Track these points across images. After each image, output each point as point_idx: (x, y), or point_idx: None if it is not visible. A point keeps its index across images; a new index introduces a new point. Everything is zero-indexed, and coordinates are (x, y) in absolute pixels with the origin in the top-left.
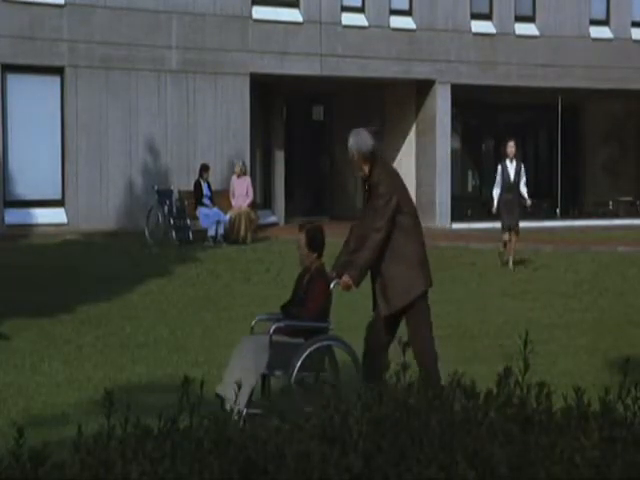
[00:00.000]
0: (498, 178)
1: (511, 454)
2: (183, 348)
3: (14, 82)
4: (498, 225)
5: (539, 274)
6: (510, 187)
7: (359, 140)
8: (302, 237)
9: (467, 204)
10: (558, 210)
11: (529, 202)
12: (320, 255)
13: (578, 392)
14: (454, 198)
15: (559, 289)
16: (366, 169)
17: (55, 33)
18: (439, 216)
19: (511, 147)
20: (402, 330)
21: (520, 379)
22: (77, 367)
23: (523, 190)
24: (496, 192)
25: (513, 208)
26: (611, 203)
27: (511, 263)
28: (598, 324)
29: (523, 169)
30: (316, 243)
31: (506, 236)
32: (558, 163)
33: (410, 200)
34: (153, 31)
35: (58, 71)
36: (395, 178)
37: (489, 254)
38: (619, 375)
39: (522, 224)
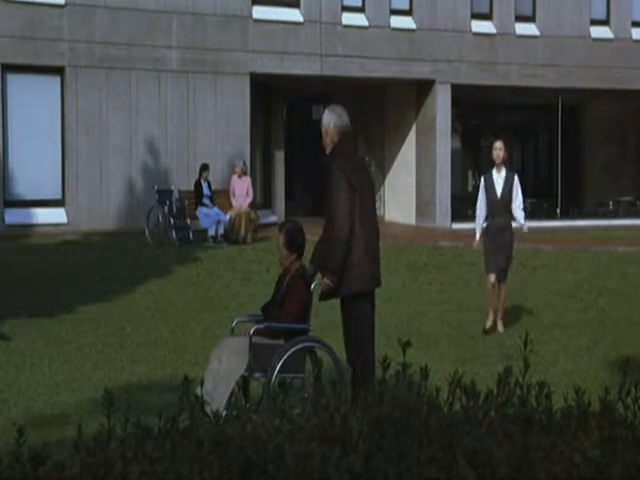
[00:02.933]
0: (481, 196)
1: (511, 454)
2: (183, 348)
3: (14, 82)
4: None
5: (539, 274)
6: (499, 208)
7: (334, 115)
8: (281, 237)
9: (467, 204)
10: (558, 210)
11: (526, 227)
12: (300, 256)
13: (578, 392)
14: (454, 198)
15: (559, 289)
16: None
17: (55, 33)
18: (439, 216)
19: (499, 150)
20: (402, 330)
21: (520, 379)
22: (77, 367)
23: (519, 214)
24: (479, 217)
25: (503, 240)
26: (611, 203)
27: (500, 325)
28: (598, 324)
29: (517, 181)
30: (295, 244)
31: (492, 278)
32: (558, 163)
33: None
34: (153, 31)
35: (58, 71)
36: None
37: None
38: (619, 375)
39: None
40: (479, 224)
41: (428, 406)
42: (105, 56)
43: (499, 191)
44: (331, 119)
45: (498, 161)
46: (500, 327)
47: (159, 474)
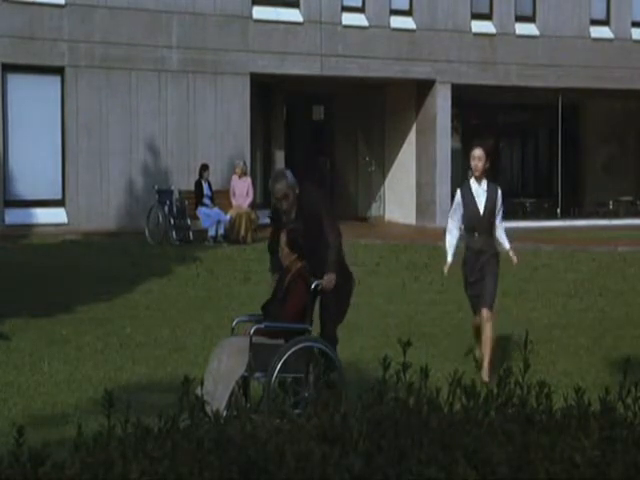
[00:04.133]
0: (455, 212)
1: (511, 454)
2: (183, 348)
3: (14, 82)
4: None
5: (539, 274)
6: (480, 226)
7: (291, 179)
8: (284, 236)
9: None
10: (558, 210)
11: (513, 254)
12: (300, 257)
13: (578, 392)
14: (454, 198)
15: (559, 289)
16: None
17: (55, 33)
18: (439, 216)
19: (477, 160)
20: (402, 330)
21: (520, 379)
22: (77, 367)
23: (503, 237)
24: (453, 237)
25: (485, 266)
26: (611, 203)
27: (485, 372)
28: (598, 324)
29: (501, 197)
30: (297, 244)
31: (478, 320)
32: (558, 163)
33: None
34: (153, 31)
35: (58, 71)
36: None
37: None
38: (619, 375)
39: (521, 224)
40: (452, 245)
41: (428, 406)
42: (105, 56)
43: (481, 206)
44: (289, 184)
45: (477, 173)
46: (485, 375)
47: (159, 474)
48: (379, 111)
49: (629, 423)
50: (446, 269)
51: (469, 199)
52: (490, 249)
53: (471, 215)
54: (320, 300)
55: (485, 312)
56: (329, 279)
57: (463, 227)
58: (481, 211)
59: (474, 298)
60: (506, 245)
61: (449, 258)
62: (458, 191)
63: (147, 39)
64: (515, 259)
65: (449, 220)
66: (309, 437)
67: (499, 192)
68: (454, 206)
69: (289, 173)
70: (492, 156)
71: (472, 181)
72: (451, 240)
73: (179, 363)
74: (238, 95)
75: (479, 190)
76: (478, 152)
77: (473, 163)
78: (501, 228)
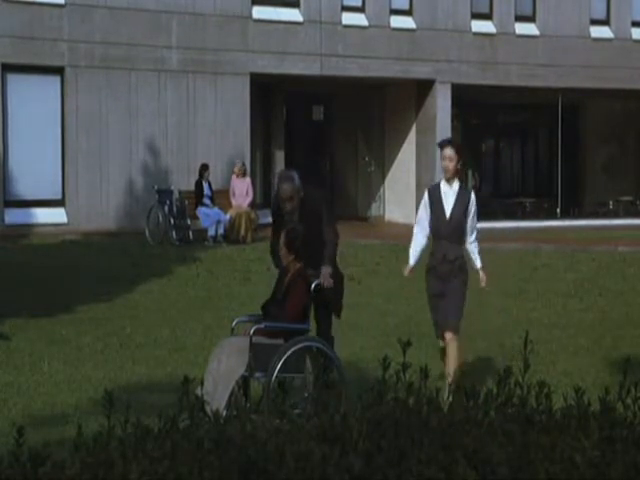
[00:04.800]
0: (422, 214)
1: (511, 454)
2: (183, 348)
3: (14, 82)
4: (500, 225)
5: (539, 274)
6: (446, 233)
7: (297, 181)
8: (283, 236)
9: None
10: (558, 210)
11: (482, 276)
12: (297, 257)
13: (578, 392)
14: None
15: (559, 289)
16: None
17: (55, 33)
18: None
19: (448, 160)
20: (402, 330)
21: (520, 379)
22: (77, 367)
23: (475, 251)
24: (417, 244)
25: (450, 279)
26: (611, 203)
27: (446, 393)
28: (598, 324)
29: (474, 203)
30: (294, 245)
31: (442, 343)
32: (558, 163)
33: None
34: (153, 31)
35: (58, 71)
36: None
37: (489, 254)
38: (619, 375)
39: (521, 224)
40: (416, 250)
41: (428, 406)
42: (105, 56)
43: (448, 209)
44: (295, 186)
45: (448, 174)
46: (445, 394)
47: (159, 474)
48: (379, 111)
49: (629, 423)
50: (406, 271)
51: (436, 201)
52: (456, 260)
53: (437, 219)
54: (315, 299)
55: (448, 335)
56: (326, 272)
57: (430, 232)
58: (447, 214)
59: (437, 315)
60: (477, 263)
61: (411, 261)
62: (425, 192)
63: (147, 39)
64: (484, 282)
65: (415, 225)
66: (309, 437)
67: (472, 197)
68: (420, 209)
69: (296, 175)
70: (463, 156)
71: (443, 183)
72: (415, 248)
73: (179, 363)
74: (238, 95)
75: (449, 192)
76: (449, 152)
77: (444, 164)
78: (474, 242)
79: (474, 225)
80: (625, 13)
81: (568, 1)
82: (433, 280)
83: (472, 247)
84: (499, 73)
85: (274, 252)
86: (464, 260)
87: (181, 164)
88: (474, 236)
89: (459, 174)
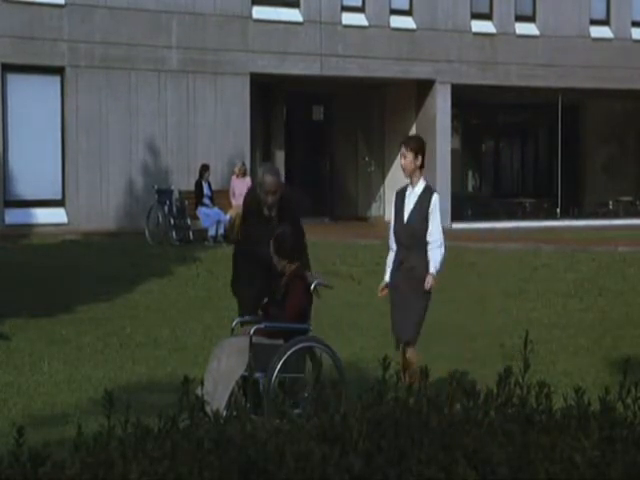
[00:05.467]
0: (392, 224)
1: (511, 454)
2: (183, 348)
3: (14, 82)
4: (500, 225)
5: (539, 274)
6: (405, 240)
7: (280, 176)
8: (271, 244)
9: (467, 204)
10: (558, 210)
11: (430, 281)
12: (291, 260)
13: (578, 392)
14: (454, 198)
15: (559, 289)
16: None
17: (55, 33)
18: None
19: (403, 156)
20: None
21: (520, 379)
22: (77, 367)
23: (433, 256)
24: (391, 254)
25: (408, 289)
26: (611, 203)
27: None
28: (598, 324)
29: (436, 204)
30: (283, 249)
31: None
32: (558, 163)
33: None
34: (153, 31)
35: (58, 71)
36: None
37: (489, 254)
38: (619, 375)
39: (521, 224)
40: (389, 263)
41: (428, 406)
42: (105, 56)
43: (407, 213)
44: (277, 179)
45: (405, 173)
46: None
47: (159, 474)
48: (379, 111)
49: (629, 423)
50: (379, 290)
51: (399, 206)
52: (413, 269)
53: (398, 224)
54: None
55: (407, 351)
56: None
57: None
58: (405, 218)
59: (395, 326)
60: (431, 267)
61: (386, 276)
62: (393, 196)
63: (147, 39)
64: (428, 285)
65: (390, 234)
66: (309, 437)
67: (433, 198)
68: (391, 214)
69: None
70: (420, 153)
71: (409, 185)
72: (389, 263)
73: (179, 363)
74: (238, 95)
75: (411, 195)
76: (402, 149)
77: (401, 162)
78: (436, 249)
79: (436, 229)
80: (625, 13)
81: (568, 1)
82: (391, 287)
83: (431, 253)
84: (499, 73)
85: (242, 252)
86: (423, 267)
87: (181, 164)
88: (436, 242)
89: (420, 174)
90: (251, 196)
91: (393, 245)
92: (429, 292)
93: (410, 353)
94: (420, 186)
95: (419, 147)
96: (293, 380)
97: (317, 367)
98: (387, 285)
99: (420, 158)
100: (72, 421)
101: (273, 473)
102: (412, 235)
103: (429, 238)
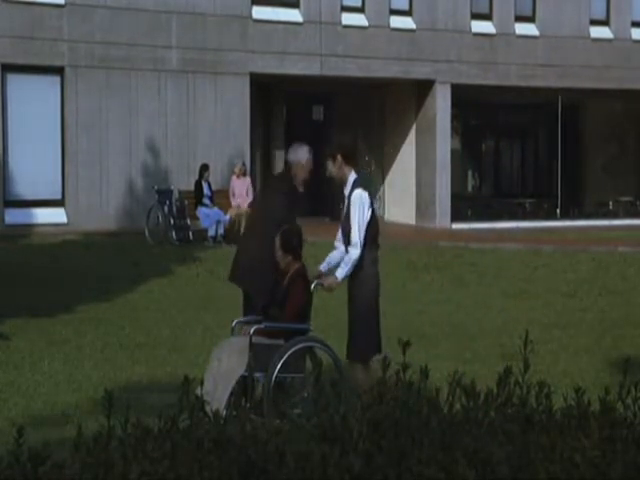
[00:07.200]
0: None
1: (511, 454)
2: (183, 348)
3: (14, 82)
4: (500, 225)
5: (539, 274)
6: (344, 240)
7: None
8: (277, 239)
9: (467, 204)
10: (558, 210)
11: (330, 283)
12: (296, 257)
13: (578, 392)
14: (454, 198)
15: (559, 289)
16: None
17: (55, 33)
18: (439, 216)
19: (328, 169)
20: (403, 330)
21: (520, 379)
22: (77, 367)
23: (347, 256)
24: (336, 250)
25: (352, 300)
26: (611, 203)
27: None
28: (598, 324)
29: (357, 204)
30: (290, 245)
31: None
32: (558, 163)
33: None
34: (153, 31)
35: (58, 71)
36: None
37: (489, 254)
38: (619, 375)
39: (521, 224)
40: (334, 257)
41: (428, 406)
42: (105, 56)
43: (343, 216)
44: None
45: (337, 181)
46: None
47: (159, 474)
48: (379, 111)
49: (629, 423)
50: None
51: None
52: (353, 275)
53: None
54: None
55: (356, 367)
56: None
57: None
58: (341, 225)
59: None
60: (338, 271)
61: (320, 267)
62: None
63: (147, 39)
64: (326, 284)
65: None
66: (309, 437)
67: (352, 196)
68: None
69: None
70: (332, 156)
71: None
72: (333, 254)
73: (179, 363)
74: (238, 95)
75: (346, 196)
76: (332, 161)
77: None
78: (352, 251)
79: (355, 227)
80: (625, 13)
81: (568, 1)
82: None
83: (347, 256)
84: (499, 73)
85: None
86: (365, 273)
87: (181, 164)
88: (355, 240)
89: (347, 173)
90: (287, 181)
91: (337, 243)
92: (373, 296)
93: (361, 368)
94: (349, 186)
95: (331, 152)
96: (293, 380)
97: (317, 367)
98: (319, 274)
99: (339, 159)
100: (72, 421)
101: (273, 473)
102: (344, 236)
103: (351, 236)
